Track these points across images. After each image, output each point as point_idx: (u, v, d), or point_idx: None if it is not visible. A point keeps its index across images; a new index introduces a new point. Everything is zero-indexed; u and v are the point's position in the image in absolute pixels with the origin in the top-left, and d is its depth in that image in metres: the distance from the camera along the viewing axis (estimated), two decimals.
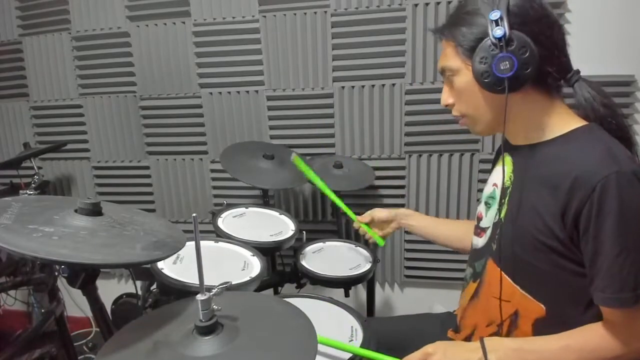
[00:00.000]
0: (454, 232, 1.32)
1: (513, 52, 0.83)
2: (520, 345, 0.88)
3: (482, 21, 0.86)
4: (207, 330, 0.71)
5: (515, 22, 0.84)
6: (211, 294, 0.72)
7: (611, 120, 0.89)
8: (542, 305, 0.90)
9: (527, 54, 0.82)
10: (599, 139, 0.85)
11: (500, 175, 0.97)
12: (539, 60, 0.83)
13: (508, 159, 0.99)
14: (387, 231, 1.42)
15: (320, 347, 1.02)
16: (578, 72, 0.90)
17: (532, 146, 0.93)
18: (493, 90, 0.87)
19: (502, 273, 0.94)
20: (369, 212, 1.42)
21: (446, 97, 0.99)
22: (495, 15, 0.83)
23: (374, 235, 1.41)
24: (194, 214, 0.73)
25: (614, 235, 0.78)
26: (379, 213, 1.40)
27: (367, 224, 1.41)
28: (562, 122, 0.90)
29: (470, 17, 0.89)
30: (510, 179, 0.97)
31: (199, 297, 0.71)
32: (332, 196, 1.46)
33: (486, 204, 1.06)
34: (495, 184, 1.04)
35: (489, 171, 1.14)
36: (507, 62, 0.83)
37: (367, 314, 1.83)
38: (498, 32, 0.83)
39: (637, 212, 0.78)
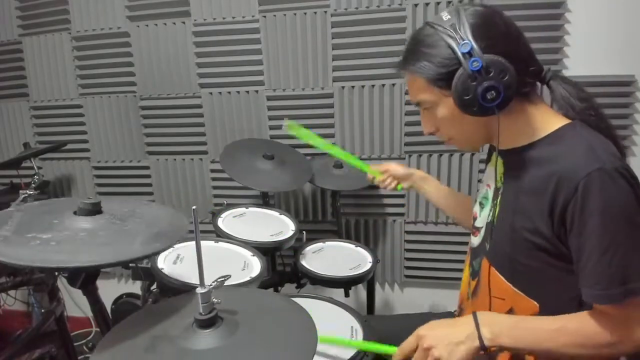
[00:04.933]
0: (464, 205, 1.29)
1: (494, 79, 0.82)
2: (515, 322, 0.87)
3: (442, 51, 0.86)
4: (207, 324, 0.71)
5: (484, 45, 0.82)
6: (211, 286, 0.73)
7: (591, 113, 0.89)
8: (536, 303, 0.90)
9: (507, 77, 0.82)
10: (582, 137, 0.85)
11: (493, 176, 0.99)
12: (517, 76, 0.83)
13: (499, 161, 1.00)
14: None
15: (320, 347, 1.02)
16: (549, 69, 0.91)
17: (520, 149, 0.93)
18: (483, 115, 0.86)
19: (496, 272, 0.95)
20: (384, 164, 1.42)
21: (429, 127, 0.99)
22: (465, 47, 0.82)
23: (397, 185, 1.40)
24: (194, 207, 0.73)
25: (599, 232, 0.78)
26: (395, 169, 1.39)
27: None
28: (546, 123, 0.90)
29: (430, 49, 0.88)
30: (501, 179, 0.98)
31: (199, 289, 0.72)
32: (340, 154, 1.47)
33: (480, 204, 1.07)
34: (488, 185, 1.05)
35: None
36: (493, 92, 0.82)
37: (367, 314, 1.83)
38: (475, 64, 0.81)
39: (620, 208, 0.78)
